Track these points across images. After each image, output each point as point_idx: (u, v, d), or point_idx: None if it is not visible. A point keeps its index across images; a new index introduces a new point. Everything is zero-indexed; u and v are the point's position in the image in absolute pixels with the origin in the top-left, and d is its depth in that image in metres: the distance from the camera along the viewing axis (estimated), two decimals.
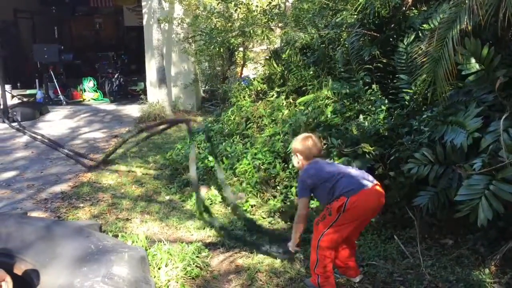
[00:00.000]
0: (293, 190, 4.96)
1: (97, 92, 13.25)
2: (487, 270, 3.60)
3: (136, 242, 4.13)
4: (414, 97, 4.77)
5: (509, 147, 3.35)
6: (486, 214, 3.29)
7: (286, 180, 5.15)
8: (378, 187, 3.33)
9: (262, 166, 5.43)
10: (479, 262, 3.75)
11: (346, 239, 3.42)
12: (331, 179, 3.32)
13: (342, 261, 3.55)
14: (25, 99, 12.56)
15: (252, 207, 5.13)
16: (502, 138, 3.36)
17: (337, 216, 3.26)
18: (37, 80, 12.85)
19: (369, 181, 3.31)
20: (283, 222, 4.85)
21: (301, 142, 3.54)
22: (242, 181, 5.47)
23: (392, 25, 5.67)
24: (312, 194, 3.52)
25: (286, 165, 5.29)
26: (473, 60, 3.98)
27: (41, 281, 2.32)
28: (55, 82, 12.37)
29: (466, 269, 3.68)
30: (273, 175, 5.30)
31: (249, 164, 5.52)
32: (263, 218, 4.95)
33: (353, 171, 3.42)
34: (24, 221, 2.93)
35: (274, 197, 5.21)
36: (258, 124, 6.38)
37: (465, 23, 3.63)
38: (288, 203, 4.99)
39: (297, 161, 3.58)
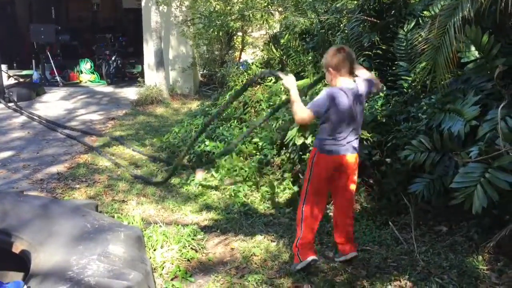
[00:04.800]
0: (288, 175, 4.98)
1: (94, 74, 13.16)
2: (480, 257, 3.63)
3: (132, 223, 4.15)
4: (413, 84, 4.77)
5: (506, 136, 3.36)
6: (481, 201, 3.30)
7: (282, 165, 5.16)
8: (350, 157, 3.44)
9: (258, 153, 5.44)
10: (473, 249, 3.78)
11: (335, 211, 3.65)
12: (330, 124, 3.37)
13: (336, 238, 3.70)
14: (21, 80, 12.48)
15: (247, 192, 5.14)
16: (499, 126, 3.36)
17: (311, 168, 3.46)
18: (33, 61, 12.74)
19: (347, 149, 3.41)
20: (278, 207, 4.86)
21: (333, 55, 3.39)
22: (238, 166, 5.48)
23: (393, 12, 5.63)
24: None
25: (282, 151, 5.29)
26: (473, 48, 3.96)
27: (37, 258, 2.33)
28: (52, 63, 12.27)
29: (460, 256, 3.71)
30: (270, 160, 5.31)
31: (246, 148, 5.53)
32: (257, 203, 4.96)
33: (347, 135, 3.41)
34: (21, 200, 2.92)
35: (270, 182, 5.22)
36: (256, 109, 6.38)
37: (467, 10, 3.60)
38: (283, 189, 5.00)
39: (330, 77, 3.44)
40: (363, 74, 3.59)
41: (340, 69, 3.37)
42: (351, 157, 3.47)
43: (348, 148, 3.43)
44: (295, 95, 3.38)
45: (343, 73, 3.38)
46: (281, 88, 6.28)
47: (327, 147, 3.41)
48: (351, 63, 3.41)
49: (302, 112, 3.32)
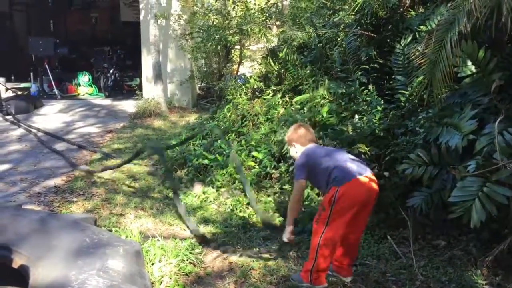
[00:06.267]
0: (287, 187, 4.98)
1: (92, 86, 13.18)
2: (479, 272, 3.63)
3: (130, 237, 4.12)
4: (410, 98, 4.80)
5: (504, 150, 3.38)
6: (479, 215, 3.31)
7: (281, 178, 5.17)
8: (371, 176, 3.34)
9: (256, 166, 5.45)
10: (471, 263, 3.78)
11: (344, 236, 3.40)
12: (327, 167, 3.34)
13: (337, 259, 3.56)
14: (19, 92, 12.47)
15: (248, 204, 5.13)
16: (496, 140, 3.39)
17: (330, 210, 3.26)
18: (31, 73, 12.76)
19: (363, 170, 3.32)
20: (278, 219, 4.85)
21: (294, 132, 3.67)
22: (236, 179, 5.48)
23: (390, 26, 5.70)
24: (309, 180, 3.57)
25: (281, 163, 5.31)
26: (469, 63, 4.00)
27: (36, 274, 2.32)
28: (50, 75, 12.30)
29: (458, 270, 3.71)
30: (269, 172, 5.32)
31: (244, 161, 5.53)
32: (255, 216, 4.94)
33: (348, 160, 3.40)
34: (19, 214, 2.92)
35: (268, 196, 5.22)
36: (254, 122, 6.40)
37: (464, 25, 3.64)
38: (283, 201, 5.00)
39: (294, 151, 3.64)
40: None
41: (304, 140, 3.58)
42: (374, 181, 3.35)
43: (363, 168, 3.35)
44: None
45: (307, 142, 3.58)
46: (278, 102, 6.32)
47: (343, 174, 3.28)
48: (312, 133, 3.67)
49: (293, 196, 3.52)
